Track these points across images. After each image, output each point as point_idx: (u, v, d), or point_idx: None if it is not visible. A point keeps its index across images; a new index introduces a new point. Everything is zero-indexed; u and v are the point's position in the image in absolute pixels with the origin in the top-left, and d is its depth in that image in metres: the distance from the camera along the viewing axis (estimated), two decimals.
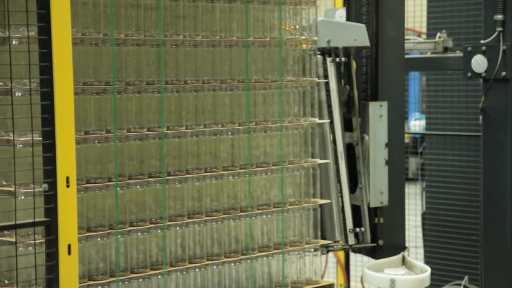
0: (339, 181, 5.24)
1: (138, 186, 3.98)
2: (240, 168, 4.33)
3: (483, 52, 5.55)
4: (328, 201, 4.97)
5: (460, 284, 6.24)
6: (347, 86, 5.55)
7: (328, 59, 5.30)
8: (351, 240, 5.26)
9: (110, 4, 3.78)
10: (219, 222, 4.24)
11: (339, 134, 5.26)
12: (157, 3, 3.98)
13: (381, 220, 5.69)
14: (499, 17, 5.46)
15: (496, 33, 5.48)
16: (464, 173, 7.33)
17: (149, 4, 4.03)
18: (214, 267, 4.23)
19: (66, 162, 3.52)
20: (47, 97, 3.49)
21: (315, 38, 4.63)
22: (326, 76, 5.33)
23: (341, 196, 5.26)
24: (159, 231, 4.05)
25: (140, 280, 4.01)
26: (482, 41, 5.57)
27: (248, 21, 4.31)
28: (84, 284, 3.81)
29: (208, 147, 4.22)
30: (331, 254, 6.70)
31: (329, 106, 5.30)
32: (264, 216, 4.40)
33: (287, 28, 4.53)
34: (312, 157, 4.68)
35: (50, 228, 3.50)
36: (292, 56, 4.54)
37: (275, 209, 4.44)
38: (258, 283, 4.38)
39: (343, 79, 5.59)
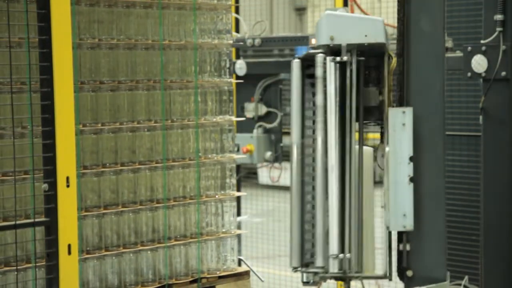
0: (326, 198, 4.45)
1: None
2: (157, 163, 4.49)
3: (483, 52, 5.55)
4: (244, 193, 5.01)
5: (460, 284, 6.23)
6: (377, 90, 4.78)
7: (328, 58, 4.49)
8: (333, 268, 4.43)
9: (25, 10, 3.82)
10: (136, 213, 4.40)
11: (332, 144, 4.49)
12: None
13: (407, 247, 4.94)
14: (499, 17, 5.46)
15: (496, 33, 5.47)
16: (464, 173, 7.32)
17: None
18: (131, 254, 4.37)
19: (66, 162, 3.53)
20: (47, 97, 3.50)
21: (230, 42, 4.74)
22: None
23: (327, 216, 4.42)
24: None
25: None
26: (482, 41, 5.57)
27: (164, 26, 4.51)
28: (0, 270, 3.88)
29: (125, 143, 4.40)
30: None
31: (326, 112, 4.50)
32: (181, 208, 4.57)
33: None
34: (229, 153, 4.79)
35: (50, 228, 3.51)
36: (208, 58, 4.72)
37: (191, 200, 4.60)
38: (176, 270, 4.53)
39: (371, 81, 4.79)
